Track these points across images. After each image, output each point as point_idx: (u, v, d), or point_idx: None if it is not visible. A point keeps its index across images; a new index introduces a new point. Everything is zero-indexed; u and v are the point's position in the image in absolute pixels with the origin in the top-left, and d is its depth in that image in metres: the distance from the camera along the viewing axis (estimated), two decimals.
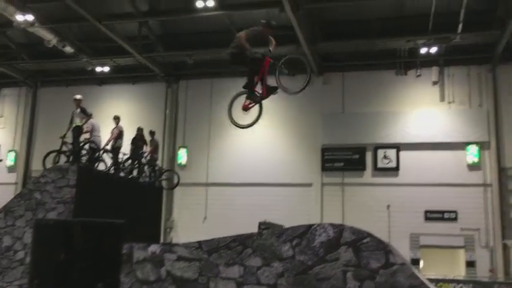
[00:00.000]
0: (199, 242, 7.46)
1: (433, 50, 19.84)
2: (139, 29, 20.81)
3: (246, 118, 8.93)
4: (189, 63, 21.59)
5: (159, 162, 17.65)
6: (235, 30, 20.29)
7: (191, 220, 21.95)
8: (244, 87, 8.65)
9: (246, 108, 8.74)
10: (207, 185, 22.38)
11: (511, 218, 19.11)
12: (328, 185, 21.17)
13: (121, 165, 13.98)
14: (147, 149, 15.31)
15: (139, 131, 15.26)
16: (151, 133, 15.85)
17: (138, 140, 15.18)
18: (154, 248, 7.66)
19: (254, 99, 8.55)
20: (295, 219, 12.16)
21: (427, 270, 19.15)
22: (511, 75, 20.01)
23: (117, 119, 14.79)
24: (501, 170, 19.44)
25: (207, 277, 7.29)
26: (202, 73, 23.16)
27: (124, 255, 7.86)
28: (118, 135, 14.43)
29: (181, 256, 7.45)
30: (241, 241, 7.26)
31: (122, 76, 24.16)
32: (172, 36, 21.90)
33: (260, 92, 8.55)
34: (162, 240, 20.36)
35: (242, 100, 8.85)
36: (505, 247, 18.84)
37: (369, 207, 20.17)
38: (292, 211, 20.17)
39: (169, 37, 21.96)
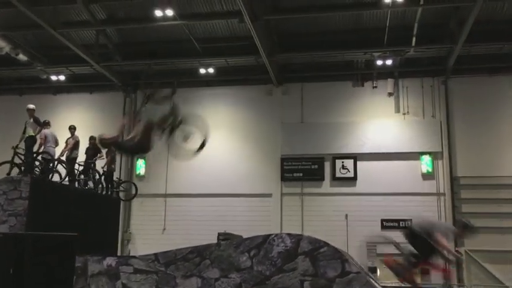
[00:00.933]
0: (156, 254, 7.36)
1: (389, 62, 20.39)
2: (96, 37, 20.48)
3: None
4: (147, 72, 21.37)
5: (116, 173, 17.34)
6: (194, 40, 20.38)
7: (150, 232, 21.59)
8: None
9: None
10: (166, 196, 22.11)
11: None
12: (287, 195, 21.30)
13: (76, 177, 13.65)
14: (101, 157, 14.99)
15: (92, 140, 14.93)
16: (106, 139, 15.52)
17: (90, 149, 14.87)
18: (109, 260, 7.49)
19: None
20: (255, 230, 12.15)
21: (384, 278, 19.47)
22: (462, 87, 20.75)
23: (72, 129, 14.47)
24: (453, 179, 20.07)
25: None
26: (161, 83, 22.93)
27: (78, 268, 7.65)
28: (74, 146, 14.11)
29: (138, 269, 7.32)
30: (199, 252, 7.21)
31: (78, 85, 23.65)
32: (130, 45, 21.63)
33: None
34: (119, 253, 19.94)
35: None
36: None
37: (328, 217, 20.40)
38: (252, 221, 20.15)
39: (127, 46, 21.68)
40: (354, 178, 20.83)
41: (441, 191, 20.11)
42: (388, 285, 16.73)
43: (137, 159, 22.73)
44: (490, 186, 19.63)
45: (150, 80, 22.54)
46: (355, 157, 20.98)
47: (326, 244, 6.94)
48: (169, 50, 21.34)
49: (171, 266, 7.25)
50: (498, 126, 20.12)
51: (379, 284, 9.94)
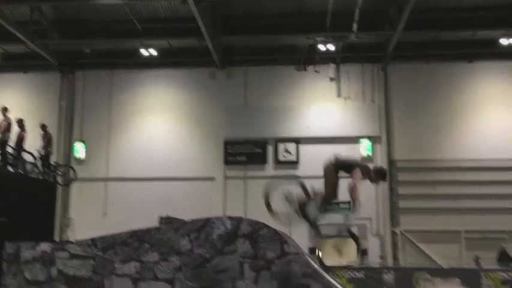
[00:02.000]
0: (93, 239, 7.17)
1: (331, 47, 20.68)
2: (30, 14, 19.47)
3: None
4: (86, 52, 20.61)
5: (54, 157, 16.71)
6: (135, 20, 19.81)
7: (90, 217, 21.01)
8: None
9: None
10: (107, 180, 21.59)
11: (400, 208, 20.51)
12: (230, 179, 21.34)
13: (10, 160, 13.04)
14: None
15: (20, 122, 14.26)
16: (43, 126, 14.93)
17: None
18: (44, 246, 7.22)
19: None
20: (198, 214, 12.00)
21: (324, 258, 20.01)
22: (400, 73, 21.42)
23: (4, 110, 13.77)
24: (391, 163, 20.78)
25: (101, 275, 7.02)
26: (101, 63, 22.23)
27: (10, 255, 7.33)
28: (6, 128, 13.45)
29: (74, 254, 7.11)
30: (138, 237, 7.08)
31: (11, 64, 22.44)
32: (68, 23, 20.77)
33: None
34: (57, 239, 19.33)
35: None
36: (393, 235, 20.23)
37: (271, 200, 20.55)
38: (195, 205, 20.03)
39: (64, 24, 20.80)
40: (296, 161, 21.13)
41: None
42: (327, 265, 17.20)
43: (76, 142, 22.01)
44: (425, 169, 20.50)
45: (87, 59, 21.81)
46: (298, 141, 21.27)
47: (266, 226, 7.01)
48: (109, 29, 20.65)
49: (109, 250, 7.08)
50: (434, 112, 20.95)
51: (318, 264, 10.19)
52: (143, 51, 21.26)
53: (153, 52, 21.28)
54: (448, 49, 20.84)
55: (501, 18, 19.49)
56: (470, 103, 20.98)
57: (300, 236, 18.36)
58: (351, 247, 20.31)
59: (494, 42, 20.32)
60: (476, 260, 10.84)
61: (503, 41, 20.09)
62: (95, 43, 20.81)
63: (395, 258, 20.03)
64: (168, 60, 21.93)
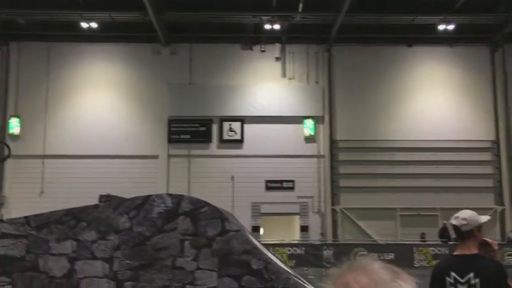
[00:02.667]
0: (27, 217, 6.90)
1: (277, 27, 20.70)
2: None
3: None
4: (21, 23, 19.53)
5: None
6: None
7: (26, 195, 20.23)
8: None
9: None
10: (44, 157, 20.81)
11: (340, 186, 21.11)
12: (174, 157, 21.15)
13: None
14: None
15: None
16: None
17: None
18: None
19: None
20: (141, 192, 11.78)
21: (266, 236, 20.36)
22: (343, 54, 21.82)
23: None
24: (333, 142, 21.28)
25: (35, 254, 6.79)
26: (37, 35, 21.18)
27: None
28: None
29: (5, 233, 6.82)
30: (75, 215, 6.89)
31: None
32: None
33: None
34: None
35: None
36: (333, 212, 20.84)
37: (214, 178, 20.65)
38: (138, 183, 19.67)
39: None
40: (241, 140, 21.21)
41: (321, 153, 21.25)
42: (270, 242, 17.52)
43: (10, 117, 21.00)
44: (364, 149, 21.16)
45: (23, 31, 20.72)
46: (243, 120, 21.31)
47: (207, 204, 7.00)
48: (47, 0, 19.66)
49: (43, 229, 6.85)
50: (374, 94, 21.55)
51: (259, 242, 10.34)
52: (83, 24, 20.43)
53: (94, 25, 20.49)
54: (390, 33, 21.38)
55: (439, 5, 20.15)
56: (409, 86, 21.73)
57: (242, 214, 18.66)
58: (293, 225, 20.78)
59: (433, 27, 21.04)
60: (423, 237, 11.36)
61: (441, 27, 20.83)
62: (31, 13, 19.74)
63: (334, 234, 20.66)
64: (109, 34, 21.20)
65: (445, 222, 19.44)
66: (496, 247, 3.79)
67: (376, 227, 20.51)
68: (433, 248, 17.48)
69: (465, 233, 3.59)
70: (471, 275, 3.50)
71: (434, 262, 17.13)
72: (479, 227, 3.65)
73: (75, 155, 20.76)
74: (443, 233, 18.86)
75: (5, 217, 19.86)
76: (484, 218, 3.75)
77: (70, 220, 6.87)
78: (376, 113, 21.45)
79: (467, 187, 20.70)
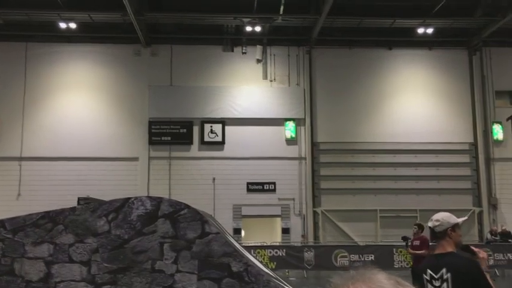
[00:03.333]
0: (1, 221, 6.74)
1: (258, 29, 20.72)
2: None
3: None
4: None
5: None
6: None
7: (2, 198, 19.87)
8: None
9: None
10: (21, 159, 20.45)
11: (321, 188, 21.19)
12: (155, 159, 20.98)
13: None
14: None
15: None
16: None
17: None
18: None
19: None
20: (121, 194, 11.68)
21: (248, 238, 20.33)
22: (324, 57, 21.92)
23: None
24: (314, 145, 21.35)
25: (11, 258, 6.63)
26: (14, 36, 20.81)
27: None
28: None
29: None
30: (51, 218, 6.75)
31: None
32: None
33: None
34: None
35: None
36: (315, 214, 20.89)
37: (196, 181, 20.55)
38: (118, 186, 19.56)
39: None
40: (222, 142, 21.13)
41: (303, 155, 21.30)
42: (251, 244, 17.50)
43: None
44: (345, 151, 21.27)
45: (1, 31, 20.35)
46: (224, 122, 21.25)
47: (187, 206, 6.92)
48: None
49: (19, 232, 6.69)
50: (355, 96, 21.70)
51: (240, 244, 10.29)
52: (61, 24, 20.15)
53: (73, 25, 20.22)
54: (370, 36, 21.59)
55: (418, 8, 20.42)
56: (389, 89, 21.93)
57: (224, 216, 18.60)
58: (274, 227, 20.77)
59: (412, 30, 21.29)
60: (405, 239, 11.50)
61: (420, 30, 21.09)
62: (8, 13, 19.38)
63: (316, 236, 20.71)
64: (89, 35, 20.97)
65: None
66: (481, 255, 3.89)
67: (356, 228, 20.63)
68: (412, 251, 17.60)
69: (439, 234, 3.84)
70: (443, 270, 3.68)
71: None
72: (453, 227, 3.84)
73: (53, 157, 20.45)
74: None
75: None
76: (458, 219, 3.91)
77: (47, 223, 6.73)
78: (356, 115, 21.59)
79: (446, 189, 20.98)
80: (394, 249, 17.59)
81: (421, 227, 11.25)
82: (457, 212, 3.86)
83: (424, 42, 21.88)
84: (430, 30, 21.10)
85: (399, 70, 22.13)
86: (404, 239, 12.07)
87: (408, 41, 21.83)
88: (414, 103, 21.92)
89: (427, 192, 20.89)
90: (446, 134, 21.45)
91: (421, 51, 22.14)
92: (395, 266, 17.15)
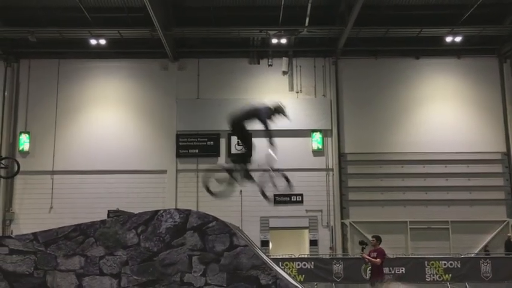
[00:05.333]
0: (35, 234, 6.88)
1: (283, 41, 20.79)
2: None
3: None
4: (31, 40, 19.77)
5: None
6: (84, 8, 19.21)
7: (35, 211, 20.34)
8: None
9: None
10: (53, 172, 20.90)
11: (349, 200, 20.96)
12: (182, 172, 21.14)
13: None
14: None
15: None
16: None
17: None
18: None
19: None
20: (150, 207, 11.77)
21: (275, 251, 20.22)
22: (350, 67, 21.83)
23: None
24: (341, 156, 21.18)
25: (43, 271, 6.76)
26: (47, 52, 21.43)
27: None
28: None
29: (14, 249, 6.80)
30: (82, 230, 6.86)
31: None
32: (12, 10, 19.88)
33: None
34: (0, 233, 18.58)
35: None
36: (343, 226, 20.66)
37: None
38: (147, 198, 19.78)
39: (8, 11, 19.91)
40: (249, 154, 21.07)
41: (330, 166, 21.14)
42: (279, 256, 17.39)
43: (20, 134, 21.17)
44: (373, 162, 21.04)
45: (33, 49, 20.98)
46: (250, 134, 21.19)
47: (215, 219, 6.95)
48: (56, 17, 19.94)
49: (51, 245, 6.82)
50: (382, 106, 21.49)
51: (268, 256, 10.26)
52: (92, 41, 20.66)
53: (102, 42, 20.70)
54: (396, 45, 21.41)
55: (446, 17, 20.17)
56: (417, 98, 21.64)
57: (251, 229, 18.59)
58: (302, 239, 20.62)
59: (440, 39, 21.02)
60: (363, 243, 11.38)
61: (448, 39, 20.81)
62: (40, 31, 19.99)
63: (344, 248, 20.46)
64: (118, 50, 21.42)
65: (510, 235, 19.37)
66: (367, 260, 3.82)
67: (386, 240, 20.05)
68: (444, 262, 17.22)
69: None
70: None
71: (446, 276, 16.93)
72: None
73: (84, 170, 20.84)
74: (509, 245, 18.99)
75: (15, 233, 19.96)
76: None
77: (78, 236, 6.85)
78: (384, 125, 21.37)
79: (478, 199, 20.50)
80: (426, 262, 17.21)
81: (379, 239, 11.74)
82: (490, 224, 3.76)
83: (453, 51, 21.57)
84: (458, 39, 20.80)
85: (427, 79, 21.83)
86: (362, 243, 12.19)
87: (436, 49, 21.56)
88: (443, 113, 21.57)
89: (459, 203, 20.44)
90: (478, 143, 21.00)
91: (449, 60, 21.83)
92: (427, 279, 16.78)
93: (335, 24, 20.13)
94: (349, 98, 21.71)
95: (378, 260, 11.27)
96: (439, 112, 21.58)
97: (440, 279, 16.92)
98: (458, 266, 17.24)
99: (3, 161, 16.16)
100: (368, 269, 13.91)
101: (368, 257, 11.48)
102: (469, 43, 21.25)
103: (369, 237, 20.25)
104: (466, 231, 20.11)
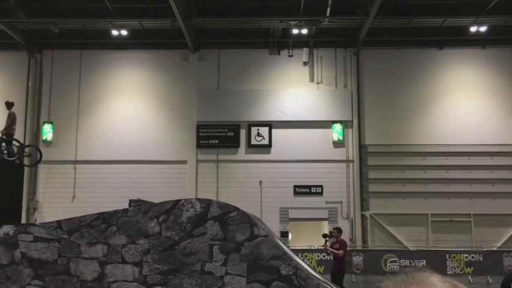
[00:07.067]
0: (59, 222, 7.02)
1: (304, 31, 20.63)
2: None
3: None
4: (54, 31, 20.01)
5: (20, 138, 16.25)
6: None
7: (58, 200, 20.70)
8: None
9: None
10: (76, 162, 21.21)
11: (369, 192, 20.82)
12: (203, 162, 21.25)
13: None
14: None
15: None
16: (9, 104, 14.44)
17: None
18: (6, 229, 7.04)
19: None
20: (170, 197, 11.88)
21: (295, 242, 20.23)
22: (372, 58, 21.57)
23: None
24: (361, 147, 21.02)
25: (67, 258, 6.90)
26: (69, 43, 21.67)
27: None
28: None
29: (38, 237, 6.95)
30: (105, 219, 6.97)
31: None
32: (34, 2, 20.13)
33: None
34: (25, 222, 18.95)
35: None
36: (363, 218, 20.55)
37: (243, 183, 20.67)
38: (167, 188, 19.93)
39: (31, 2, 20.16)
40: (269, 145, 21.16)
41: (350, 158, 21.01)
42: (298, 248, 17.40)
43: (43, 124, 21.51)
44: (394, 153, 20.82)
45: (56, 39, 21.22)
46: (270, 125, 21.27)
47: (236, 209, 6.98)
48: (78, 8, 20.12)
49: (75, 233, 6.95)
50: (403, 97, 21.22)
51: (288, 247, 10.27)
52: (113, 32, 20.80)
53: (124, 33, 20.83)
54: (419, 35, 21.06)
55: (470, 6, 19.74)
56: (440, 89, 21.31)
57: (271, 219, 18.62)
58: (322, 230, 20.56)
59: (464, 29, 20.61)
60: (326, 236, 11.46)
61: (473, 29, 20.39)
62: (63, 22, 20.21)
63: (364, 240, 20.36)
64: (139, 41, 21.54)
65: None
66: (330, 251, 3.81)
67: (407, 233, 20.12)
68: (466, 255, 17.03)
69: None
70: None
71: (468, 269, 16.75)
72: None
73: (106, 160, 21.09)
74: None
75: (38, 221, 20.36)
76: None
77: (101, 224, 6.96)
78: (405, 117, 21.11)
79: (502, 192, 20.16)
80: (447, 255, 17.05)
81: (340, 231, 12.11)
82: None
83: (477, 41, 21.14)
84: (483, 29, 20.36)
85: (450, 70, 21.46)
86: (325, 235, 12.31)
87: (460, 40, 21.15)
88: (466, 104, 21.20)
89: (482, 196, 20.13)
90: (502, 135, 20.62)
91: (473, 51, 21.41)
92: (448, 272, 16.61)
93: (357, 14, 19.88)
94: (370, 89, 21.48)
95: (340, 251, 11.64)
96: (462, 103, 21.22)
97: (462, 273, 16.76)
98: (480, 259, 17.05)
99: (26, 149, 16.45)
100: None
101: (331, 249, 11.84)
102: (494, 33, 20.78)
103: (389, 229, 20.25)
104: (489, 225, 19.82)
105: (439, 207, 20.15)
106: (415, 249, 18.48)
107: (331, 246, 11.90)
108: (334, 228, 12.37)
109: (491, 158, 20.49)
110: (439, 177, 20.41)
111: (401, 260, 17.16)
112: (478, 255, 17.17)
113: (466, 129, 20.72)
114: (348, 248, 18.92)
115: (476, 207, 20.00)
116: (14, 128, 13.84)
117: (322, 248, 12.17)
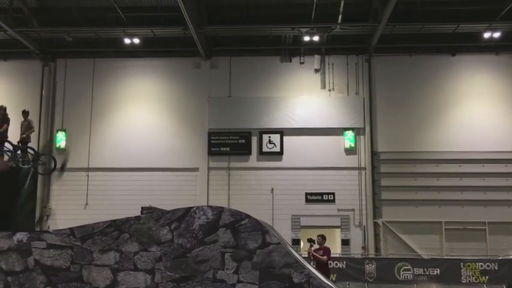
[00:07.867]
0: (71, 229, 7.03)
1: (316, 38, 20.62)
2: (10, 0, 19.06)
3: None
4: (67, 40, 20.24)
5: (34, 146, 16.39)
6: (118, 8, 19.53)
7: (71, 207, 20.82)
8: None
9: None
10: (89, 169, 21.34)
11: (382, 199, 20.65)
12: (214, 169, 21.26)
13: None
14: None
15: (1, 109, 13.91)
16: (25, 113, 14.59)
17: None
18: (20, 236, 7.07)
19: None
20: (182, 204, 11.83)
21: (306, 249, 20.09)
22: (384, 64, 21.49)
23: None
24: (374, 154, 20.89)
25: (79, 265, 6.91)
26: (82, 52, 21.88)
27: None
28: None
29: (51, 244, 6.97)
30: (117, 226, 6.97)
31: None
32: (48, 11, 20.41)
33: None
34: (38, 229, 19.07)
35: None
36: (375, 226, 20.38)
37: (254, 191, 20.63)
38: (179, 196, 19.96)
39: (45, 11, 20.44)
40: (280, 153, 21.11)
41: (362, 165, 20.88)
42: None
43: (57, 131, 21.70)
44: (406, 161, 20.66)
45: (69, 48, 21.45)
46: (282, 132, 21.24)
47: (247, 216, 6.95)
48: (91, 17, 20.35)
49: (87, 240, 6.96)
50: (416, 104, 21.08)
51: (300, 255, 10.20)
52: (126, 40, 20.97)
53: (136, 41, 21.00)
54: (432, 42, 20.95)
55: (484, 12, 19.61)
56: (453, 96, 21.14)
57: (282, 227, 18.55)
58: (334, 238, 20.43)
59: (477, 35, 20.47)
60: (311, 241, 11.34)
61: (486, 35, 20.24)
62: (76, 31, 20.44)
63: (377, 248, 20.18)
64: (151, 49, 21.69)
65: None
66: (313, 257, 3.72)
67: (420, 241, 19.90)
68: (481, 264, 16.79)
69: None
70: None
71: (483, 278, 16.51)
72: None
73: (118, 167, 21.20)
74: None
75: (51, 228, 20.48)
76: None
77: (113, 231, 6.96)
78: (418, 123, 20.96)
79: None
80: (462, 264, 16.83)
81: (324, 238, 12.21)
82: None
83: (491, 47, 20.97)
84: (496, 35, 20.20)
85: (463, 77, 21.30)
86: (310, 240, 12.24)
87: (473, 46, 20.99)
88: (480, 110, 21.00)
89: (496, 204, 19.88)
90: None
91: (487, 57, 21.23)
92: (462, 281, 16.42)
93: (368, 21, 19.83)
94: (382, 95, 21.38)
95: (324, 257, 11.77)
96: (476, 110, 21.02)
97: (477, 281, 16.53)
98: (496, 268, 16.81)
99: (41, 158, 16.60)
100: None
101: (316, 255, 11.84)
102: (507, 39, 20.61)
103: (403, 237, 20.05)
104: (504, 233, 19.54)
105: (453, 215, 19.91)
106: (429, 257, 18.27)
107: (315, 252, 11.93)
108: (318, 235, 12.35)
109: (506, 165, 20.26)
110: (453, 184, 20.20)
111: (414, 269, 16.97)
112: (493, 263, 16.92)
113: (480, 135, 20.52)
114: (360, 256, 18.95)
115: (491, 215, 19.74)
116: (30, 136, 14.00)
117: (307, 251, 12.12)
